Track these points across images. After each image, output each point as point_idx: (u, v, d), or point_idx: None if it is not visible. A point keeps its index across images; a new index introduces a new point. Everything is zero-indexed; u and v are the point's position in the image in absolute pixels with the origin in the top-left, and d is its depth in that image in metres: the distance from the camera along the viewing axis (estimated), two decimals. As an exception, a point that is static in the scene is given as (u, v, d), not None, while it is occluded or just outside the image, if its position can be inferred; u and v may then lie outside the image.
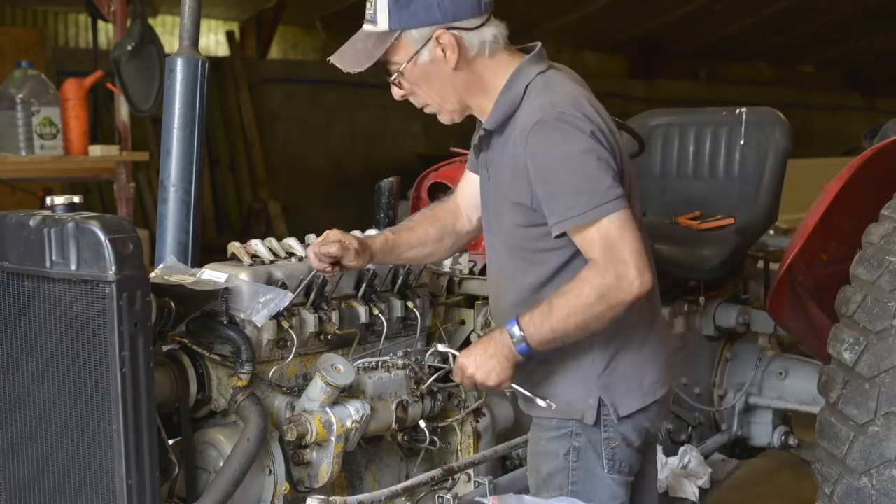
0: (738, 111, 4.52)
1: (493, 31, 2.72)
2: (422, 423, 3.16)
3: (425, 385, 3.17)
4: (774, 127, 4.41)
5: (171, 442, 2.71)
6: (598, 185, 2.58)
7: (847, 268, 3.26)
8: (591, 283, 2.55)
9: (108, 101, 7.70)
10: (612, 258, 2.56)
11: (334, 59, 2.71)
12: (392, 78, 2.72)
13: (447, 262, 3.47)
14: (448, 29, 2.63)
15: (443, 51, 2.64)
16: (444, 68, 2.66)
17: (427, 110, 2.80)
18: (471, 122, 4.08)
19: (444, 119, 2.82)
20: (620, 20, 15.70)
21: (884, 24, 16.62)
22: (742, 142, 4.47)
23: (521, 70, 2.76)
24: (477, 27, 2.67)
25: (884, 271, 3.13)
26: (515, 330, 2.60)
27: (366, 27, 2.68)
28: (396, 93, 2.76)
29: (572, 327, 2.58)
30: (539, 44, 2.84)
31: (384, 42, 2.64)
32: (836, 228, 3.68)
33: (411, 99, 2.78)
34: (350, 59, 2.68)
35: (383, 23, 2.64)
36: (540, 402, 2.72)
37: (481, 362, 2.65)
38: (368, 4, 2.68)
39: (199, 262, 3.27)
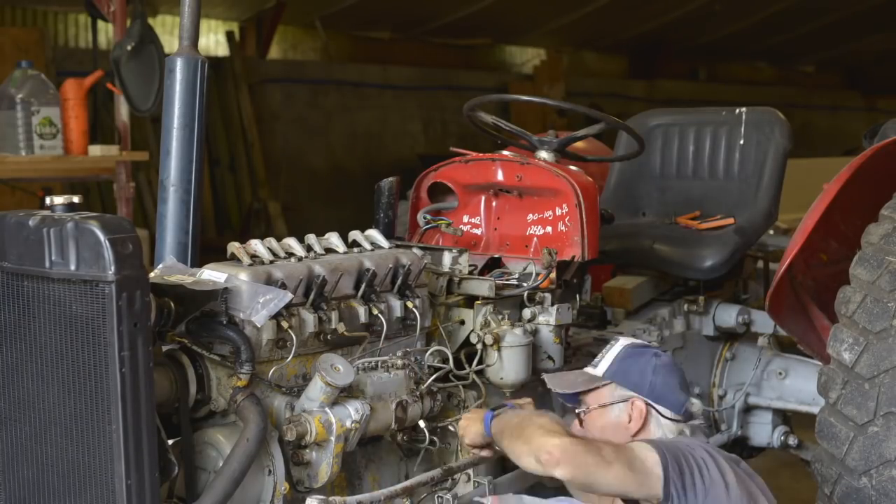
0: (738, 111, 4.53)
1: (676, 429, 2.97)
2: (421, 423, 3.16)
3: (425, 385, 3.16)
4: (774, 127, 4.41)
5: (170, 442, 2.71)
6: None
7: (847, 268, 3.26)
8: (545, 423, 2.84)
9: (108, 101, 7.71)
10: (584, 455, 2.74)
11: (547, 377, 3.16)
12: (578, 412, 3.03)
13: (447, 262, 3.47)
14: (646, 402, 2.94)
15: (629, 415, 2.93)
16: (624, 431, 2.94)
17: None
18: (470, 121, 4.09)
19: None
20: (620, 20, 15.72)
21: (884, 24, 16.63)
22: (742, 142, 4.48)
23: None
24: (669, 419, 2.95)
25: (883, 271, 3.13)
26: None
27: (587, 368, 3.08)
28: (575, 427, 3.02)
29: (508, 444, 2.91)
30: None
31: (592, 382, 3.01)
32: (835, 228, 3.68)
33: None
34: (559, 381, 3.10)
35: (601, 369, 3.01)
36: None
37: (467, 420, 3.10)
38: (602, 352, 3.06)
39: (198, 262, 3.26)
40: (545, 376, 3.17)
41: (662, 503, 2.74)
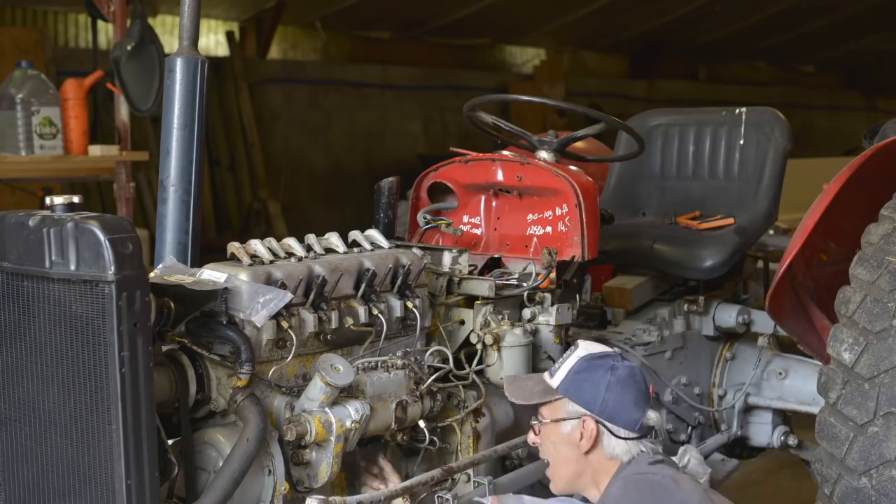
0: (738, 111, 4.53)
1: (634, 451, 2.92)
2: (421, 423, 3.16)
3: (425, 385, 3.16)
4: (774, 127, 4.41)
5: (170, 442, 2.71)
6: None
7: (847, 268, 3.26)
8: None
9: (108, 101, 7.70)
10: None
11: (505, 382, 3.12)
12: (534, 423, 3.01)
13: (447, 262, 3.47)
14: (597, 421, 2.89)
15: (581, 434, 2.89)
16: (576, 448, 2.91)
17: (546, 470, 3.04)
18: (470, 121, 4.09)
19: (552, 486, 3.03)
20: (620, 20, 15.72)
21: (884, 24, 16.63)
22: (742, 142, 4.48)
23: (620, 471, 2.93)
24: (622, 438, 2.90)
25: (883, 271, 3.13)
26: None
27: (545, 374, 3.02)
28: (530, 437, 3.05)
29: None
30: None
31: (546, 395, 2.96)
32: (835, 228, 3.68)
33: (540, 449, 3.04)
34: (517, 389, 3.05)
35: (556, 381, 2.95)
36: None
37: None
38: (561, 359, 3.00)
39: (198, 262, 3.26)
40: (504, 380, 3.13)
41: None
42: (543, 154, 3.85)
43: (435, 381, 3.21)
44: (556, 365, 3.00)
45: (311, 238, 3.16)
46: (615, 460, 2.90)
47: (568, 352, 3.01)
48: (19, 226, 2.55)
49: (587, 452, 2.89)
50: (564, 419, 2.91)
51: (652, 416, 2.93)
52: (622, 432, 2.89)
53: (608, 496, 2.87)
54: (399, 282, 3.21)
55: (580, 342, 3.04)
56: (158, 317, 2.65)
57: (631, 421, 2.89)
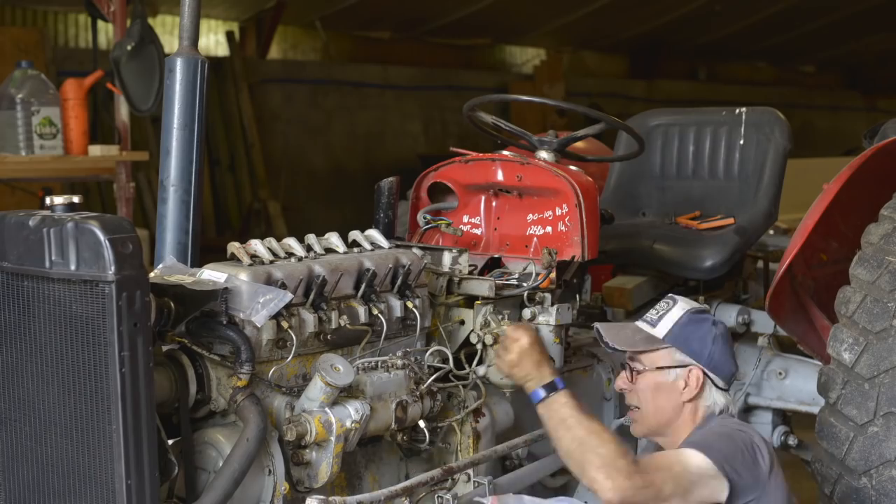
0: (738, 111, 4.53)
1: (724, 401, 3.01)
2: (421, 423, 3.16)
3: (425, 385, 3.16)
4: (774, 127, 4.41)
5: (170, 442, 2.71)
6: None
7: (847, 268, 3.26)
8: (606, 455, 2.72)
9: (108, 101, 7.70)
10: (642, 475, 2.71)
11: (601, 328, 3.08)
12: (631, 369, 3.04)
13: (447, 262, 3.47)
14: (704, 372, 2.97)
15: (685, 381, 2.96)
16: (677, 396, 2.97)
17: (630, 414, 3.09)
18: (470, 121, 4.09)
19: (634, 429, 3.10)
20: (620, 20, 15.71)
21: (884, 24, 16.63)
22: (742, 142, 4.48)
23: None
24: (722, 388, 3.00)
25: (883, 271, 3.14)
26: (542, 393, 2.89)
27: (642, 325, 3.05)
28: (621, 382, 3.08)
29: (563, 442, 2.82)
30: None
31: (651, 343, 3.00)
32: (835, 228, 3.69)
33: (626, 395, 3.08)
34: (614, 336, 3.06)
35: (661, 331, 3.00)
36: None
37: (519, 359, 2.96)
38: (655, 310, 3.05)
39: (198, 262, 3.26)
40: (598, 325, 3.11)
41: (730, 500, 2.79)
42: (543, 154, 3.85)
43: (435, 381, 3.21)
44: (653, 315, 3.04)
45: (311, 238, 3.15)
46: (708, 409, 2.97)
47: (665, 305, 3.05)
48: (19, 226, 2.55)
49: (688, 401, 2.96)
50: (670, 367, 2.96)
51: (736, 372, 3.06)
52: (721, 383, 2.98)
53: (698, 433, 2.93)
54: (399, 282, 3.21)
55: (676, 297, 3.08)
56: (158, 317, 2.65)
57: (729, 374, 3.01)
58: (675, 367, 2.97)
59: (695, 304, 3.08)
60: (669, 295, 3.12)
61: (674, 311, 3.02)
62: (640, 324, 3.07)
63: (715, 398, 2.98)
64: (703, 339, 2.97)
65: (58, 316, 2.50)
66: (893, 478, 2.98)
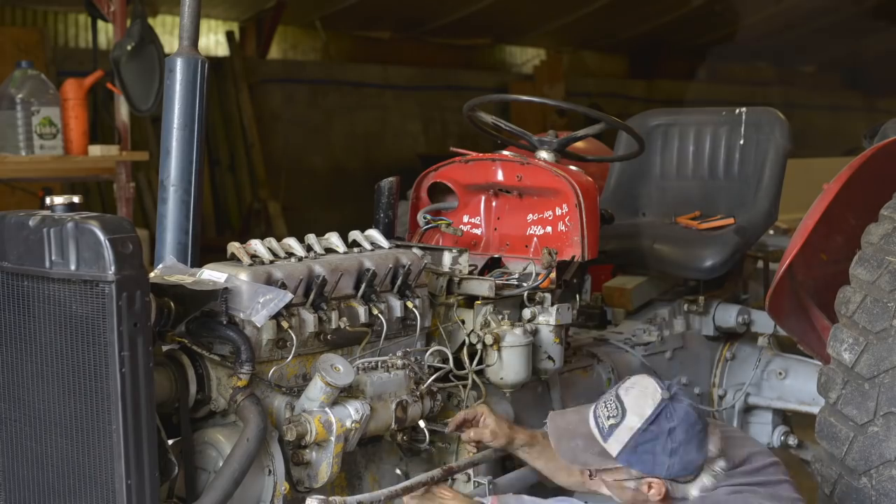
0: (738, 111, 4.52)
1: (701, 483, 2.79)
2: (421, 423, 3.16)
3: (425, 385, 3.17)
4: (774, 127, 4.41)
5: (170, 442, 2.71)
6: None
7: (847, 268, 3.26)
8: None
9: (108, 101, 7.69)
10: None
11: (550, 433, 2.91)
12: (591, 475, 2.86)
13: (447, 262, 3.47)
14: (664, 481, 2.76)
15: (648, 487, 2.77)
16: (643, 497, 2.79)
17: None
18: (470, 121, 4.09)
19: None
20: (620, 20, 15.71)
21: (884, 25, 16.62)
22: (742, 142, 4.48)
23: None
24: (689, 480, 2.78)
25: (883, 271, 3.13)
26: None
27: (594, 431, 2.78)
28: (582, 480, 2.93)
29: None
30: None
31: (603, 462, 2.79)
32: (835, 228, 3.68)
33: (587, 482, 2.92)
34: (566, 447, 2.86)
35: (613, 449, 2.76)
36: None
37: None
38: (605, 409, 2.77)
39: (198, 262, 3.26)
40: (550, 435, 2.91)
41: None
42: (543, 154, 3.85)
43: (435, 381, 3.21)
44: (603, 421, 2.77)
45: (311, 238, 3.16)
46: (686, 499, 2.79)
47: (615, 408, 2.77)
48: (19, 226, 2.55)
49: (657, 501, 2.79)
50: (628, 480, 2.78)
51: (712, 449, 2.78)
52: (690, 477, 2.77)
53: None
54: (399, 282, 3.21)
55: (623, 398, 2.78)
56: (158, 317, 2.65)
57: (695, 468, 2.77)
58: (634, 479, 2.77)
59: (648, 408, 2.74)
60: (619, 390, 2.81)
61: (625, 424, 2.74)
62: (591, 425, 2.80)
63: (685, 491, 2.77)
64: (659, 457, 2.73)
65: (58, 316, 2.50)
66: (893, 478, 2.98)
